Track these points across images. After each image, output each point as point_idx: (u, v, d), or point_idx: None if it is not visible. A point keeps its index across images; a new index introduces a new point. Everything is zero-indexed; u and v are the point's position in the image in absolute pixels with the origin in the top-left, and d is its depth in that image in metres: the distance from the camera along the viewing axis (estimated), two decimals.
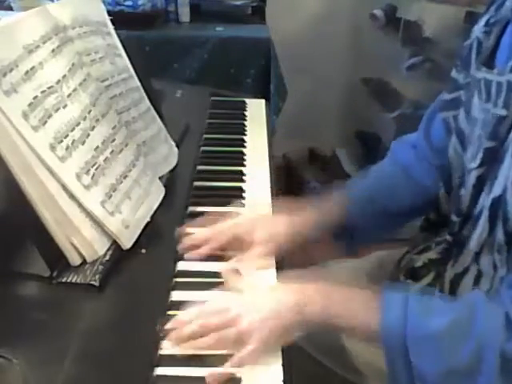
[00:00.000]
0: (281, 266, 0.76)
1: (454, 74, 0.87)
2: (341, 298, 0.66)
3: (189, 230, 0.78)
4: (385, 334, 0.62)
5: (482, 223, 0.72)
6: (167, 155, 0.89)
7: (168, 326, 0.61)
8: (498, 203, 0.69)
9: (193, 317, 0.62)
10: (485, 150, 0.73)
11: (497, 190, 0.69)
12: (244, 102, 1.28)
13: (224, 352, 0.60)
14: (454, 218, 0.80)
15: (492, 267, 0.72)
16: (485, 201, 0.72)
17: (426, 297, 0.68)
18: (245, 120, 1.19)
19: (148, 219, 0.75)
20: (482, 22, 0.81)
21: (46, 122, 0.61)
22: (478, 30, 0.82)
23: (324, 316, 0.64)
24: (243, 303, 0.65)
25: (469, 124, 0.79)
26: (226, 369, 0.58)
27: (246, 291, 0.67)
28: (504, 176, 0.68)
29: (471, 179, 0.76)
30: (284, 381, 0.57)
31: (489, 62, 0.77)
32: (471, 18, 2.08)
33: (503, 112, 0.70)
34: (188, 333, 0.60)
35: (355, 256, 0.94)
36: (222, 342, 0.60)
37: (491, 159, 0.72)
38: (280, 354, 0.61)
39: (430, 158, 0.93)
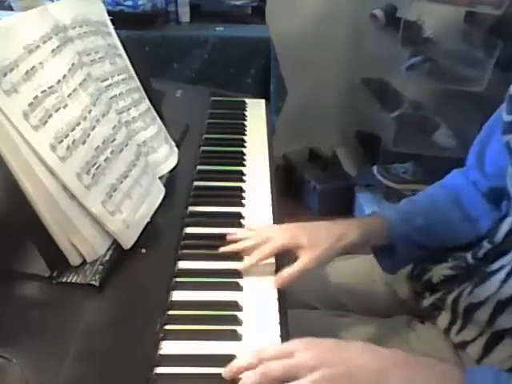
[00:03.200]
0: (281, 265, 0.76)
1: None
2: (422, 375, 0.57)
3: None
4: None
5: None
6: (167, 155, 0.89)
7: (225, 373, 0.56)
8: None
9: (252, 361, 0.56)
10: None
11: None
12: (244, 102, 1.28)
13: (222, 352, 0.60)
14: (486, 244, 0.75)
15: None
16: None
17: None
18: (245, 120, 1.19)
19: (148, 219, 0.75)
20: None
21: (46, 122, 0.61)
22: None
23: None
24: (318, 352, 0.57)
25: None
26: None
27: (323, 340, 0.59)
28: None
29: None
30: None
31: None
32: (471, 18, 2.08)
33: None
34: (244, 366, 0.56)
35: (391, 272, 0.91)
36: (286, 375, 0.54)
37: None
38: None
39: (484, 187, 0.85)
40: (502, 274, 0.72)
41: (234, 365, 0.57)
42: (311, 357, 0.55)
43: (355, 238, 0.79)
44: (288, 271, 0.73)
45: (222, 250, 0.76)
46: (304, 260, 0.74)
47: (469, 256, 0.79)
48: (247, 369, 0.56)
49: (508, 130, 0.76)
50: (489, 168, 0.84)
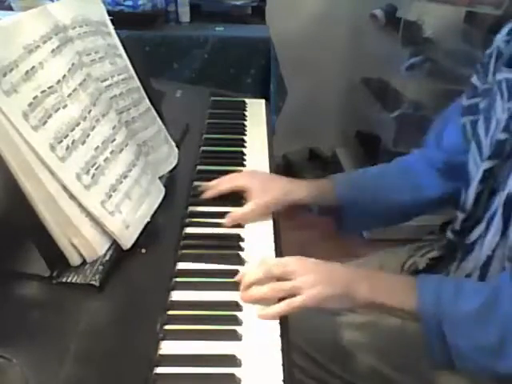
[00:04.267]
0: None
1: (474, 80, 0.89)
2: (383, 281, 0.73)
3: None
4: (422, 315, 0.68)
5: (496, 224, 0.73)
6: (167, 155, 0.89)
7: (236, 277, 0.70)
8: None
9: (257, 267, 0.70)
10: (497, 141, 0.74)
11: (511, 185, 0.70)
12: (244, 102, 1.28)
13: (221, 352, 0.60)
14: (459, 214, 0.81)
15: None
16: (500, 199, 0.72)
17: (457, 279, 0.75)
18: (245, 120, 1.19)
19: (148, 219, 0.75)
20: (505, 31, 0.83)
21: (46, 122, 0.61)
22: (500, 39, 0.83)
23: (369, 295, 0.70)
24: (301, 264, 0.72)
25: (489, 129, 0.79)
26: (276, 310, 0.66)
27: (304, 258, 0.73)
28: None
29: (479, 173, 0.77)
30: (284, 380, 0.57)
31: (510, 63, 0.78)
32: (471, 18, 2.08)
33: None
34: (252, 278, 0.68)
35: (344, 234, 1.02)
36: (277, 291, 0.68)
37: (502, 152, 0.73)
38: (280, 354, 0.61)
39: (439, 161, 0.95)
40: (479, 243, 0.77)
41: (245, 281, 0.68)
42: (312, 280, 0.69)
43: (303, 195, 0.91)
44: (238, 211, 0.83)
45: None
46: (253, 203, 0.84)
47: (449, 233, 0.84)
48: (255, 282, 0.68)
49: (465, 113, 0.89)
50: (446, 145, 0.94)
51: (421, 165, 0.98)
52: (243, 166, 1.00)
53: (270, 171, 1.00)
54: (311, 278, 0.69)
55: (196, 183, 0.93)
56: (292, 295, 0.68)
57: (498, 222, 0.73)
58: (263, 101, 1.31)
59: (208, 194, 0.88)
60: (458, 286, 0.70)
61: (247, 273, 0.70)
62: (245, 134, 1.13)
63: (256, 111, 1.25)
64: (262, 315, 0.65)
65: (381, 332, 0.88)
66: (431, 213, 1.00)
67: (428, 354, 0.70)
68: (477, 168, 0.80)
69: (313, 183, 0.95)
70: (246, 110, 1.24)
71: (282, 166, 2.45)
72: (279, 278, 0.70)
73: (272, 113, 1.70)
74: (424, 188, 0.96)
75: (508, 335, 0.64)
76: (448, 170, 0.94)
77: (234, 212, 0.83)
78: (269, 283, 0.68)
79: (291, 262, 0.72)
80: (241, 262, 0.75)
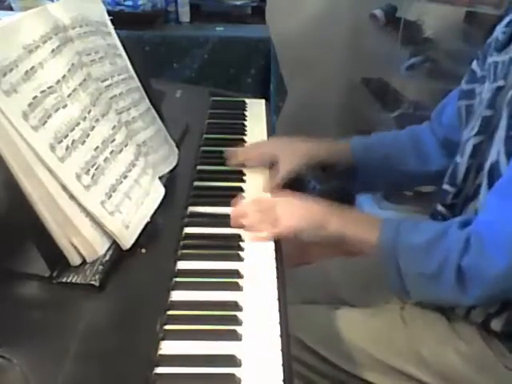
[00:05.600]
0: (281, 265, 0.76)
1: (474, 65, 0.94)
2: (354, 217, 0.85)
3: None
4: (381, 246, 0.77)
5: (482, 194, 0.77)
6: (167, 155, 0.89)
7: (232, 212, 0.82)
8: (494, 168, 0.74)
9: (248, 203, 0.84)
10: (482, 118, 0.79)
11: (493, 155, 0.75)
12: (244, 102, 1.28)
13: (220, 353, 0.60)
14: (448, 187, 0.86)
15: None
16: (485, 170, 0.77)
17: (417, 220, 0.85)
18: (245, 120, 1.19)
19: (148, 219, 0.75)
20: (504, 22, 0.87)
21: (45, 122, 0.61)
22: (499, 30, 0.87)
23: (340, 227, 0.80)
24: (285, 201, 0.84)
25: (476, 109, 0.85)
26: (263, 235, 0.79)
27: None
28: (499, 140, 0.74)
29: (468, 148, 0.82)
30: (284, 381, 0.57)
31: (501, 48, 0.83)
32: (471, 18, 2.08)
33: (501, 83, 0.77)
34: (243, 209, 0.82)
35: (355, 191, 1.11)
36: (262, 220, 0.80)
37: (488, 128, 0.78)
38: (280, 354, 0.61)
39: (440, 135, 1.03)
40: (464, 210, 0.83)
41: (238, 207, 0.83)
42: (290, 213, 0.82)
43: (324, 155, 1.04)
44: (277, 179, 0.96)
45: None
46: (284, 169, 0.97)
47: (439, 206, 0.88)
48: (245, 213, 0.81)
49: (462, 96, 0.95)
50: (444, 122, 1.02)
51: (429, 136, 1.05)
52: (243, 165, 1.00)
53: (270, 171, 1.00)
54: (289, 212, 0.81)
55: (196, 183, 0.93)
56: (273, 224, 0.79)
57: (483, 192, 0.77)
58: (263, 101, 1.31)
59: (234, 161, 0.97)
60: (415, 223, 0.79)
61: (241, 204, 0.84)
62: (245, 134, 1.13)
63: (256, 111, 1.25)
64: (253, 238, 0.78)
65: (380, 322, 0.89)
66: (431, 184, 1.15)
67: (387, 283, 0.79)
68: (465, 142, 0.85)
69: (332, 144, 1.06)
70: (246, 110, 1.24)
71: None
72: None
73: (272, 113, 1.70)
74: (429, 158, 1.04)
75: (445, 265, 0.72)
76: (446, 145, 1.01)
77: (274, 180, 0.95)
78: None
79: (276, 200, 0.86)
80: (241, 261, 0.75)
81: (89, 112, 0.69)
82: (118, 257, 0.69)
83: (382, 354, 0.85)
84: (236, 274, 0.72)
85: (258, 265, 0.75)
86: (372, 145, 1.07)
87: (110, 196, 0.69)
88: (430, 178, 1.08)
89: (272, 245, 0.79)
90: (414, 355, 0.84)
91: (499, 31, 0.87)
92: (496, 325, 0.80)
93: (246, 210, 0.82)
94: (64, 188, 0.63)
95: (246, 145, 1.03)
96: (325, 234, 0.80)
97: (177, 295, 0.68)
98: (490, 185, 0.76)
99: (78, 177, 0.64)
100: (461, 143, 0.89)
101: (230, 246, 0.78)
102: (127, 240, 0.70)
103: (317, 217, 0.81)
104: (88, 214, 0.65)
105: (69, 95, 0.66)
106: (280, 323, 0.65)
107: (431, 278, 0.74)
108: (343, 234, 0.80)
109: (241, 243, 0.78)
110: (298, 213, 0.82)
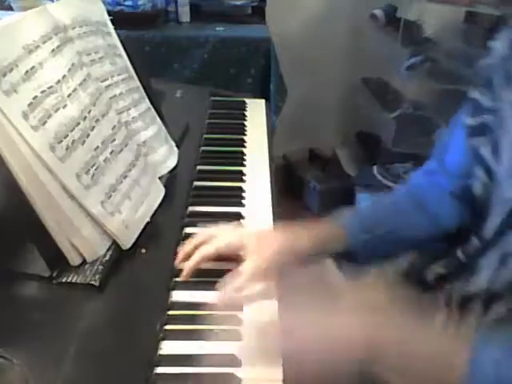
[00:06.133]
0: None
1: (475, 95, 0.77)
2: (422, 346, 0.58)
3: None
4: None
5: None
6: (167, 155, 0.89)
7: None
8: None
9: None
10: None
11: None
12: (244, 102, 1.28)
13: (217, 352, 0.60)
14: (476, 241, 0.75)
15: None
16: None
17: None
18: (245, 120, 1.19)
19: (148, 219, 0.75)
20: (505, 39, 0.74)
21: (45, 122, 0.61)
22: (500, 47, 0.74)
23: (402, 365, 0.58)
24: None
25: (497, 153, 0.72)
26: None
27: None
28: None
29: (505, 209, 0.70)
30: (284, 381, 0.57)
31: None
32: (471, 18, 2.08)
33: None
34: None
35: (352, 277, 0.87)
36: None
37: None
38: (280, 354, 0.61)
39: (452, 187, 0.84)
40: (490, 270, 0.72)
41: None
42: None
43: (307, 248, 0.76)
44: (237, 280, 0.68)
45: (177, 262, 0.73)
46: (251, 263, 0.70)
47: (459, 253, 0.79)
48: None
49: (473, 133, 0.76)
50: (454, 169, 0.83)
51: (434, 193, 0.86)
52: (243, 165, 1.00)
53: (270, 171, 1.00)
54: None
55: (196, 183, 0.93)
56: None
57: None
58: (263, 101, 1.31)
59: (187, 268, 0.72)
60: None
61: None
62: (245, 134, 1.13)
63: (256, 111, 1.25)
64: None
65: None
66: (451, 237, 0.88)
67: None
68: (486, 193, 0.74)
69: (315, 232, 0.79)
70: (246, 110, 1.24)
71: (282, 166, 2.45)
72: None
73: (272, 113, 1.70)
74: (442, 220, 0.85)
75: None
76: (461, 195, 0.83)
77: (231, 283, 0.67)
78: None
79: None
80: (241, 261, 0.75)
81: (89, 112, 0.69)
82: (118, 257, 0.69)
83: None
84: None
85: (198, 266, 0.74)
86: (370, 222, 0.85)
87: (110, 196, 0.69)
88: (449, 234, 0.85)
89: None
90: None
91: (500, 49, 0.74)
92: None
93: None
94: (64, 188, 0.63)
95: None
96: (377, 370, 0.58)
97: (177, 295, 0.68)
98: None
99: (78, 177, 0.64)
100: (473, 189, 0.77)
101: None
102: (127, 240, 0.70)
103: (349, 347, 0.57)
104: (88, 214, 0.65)
105: (69, 95, 0.66)
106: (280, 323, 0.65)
107: None
108: (407, 371, 0.58)
109: None
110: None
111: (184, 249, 0.74)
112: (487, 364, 0.55)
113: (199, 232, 0.77)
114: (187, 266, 0.71)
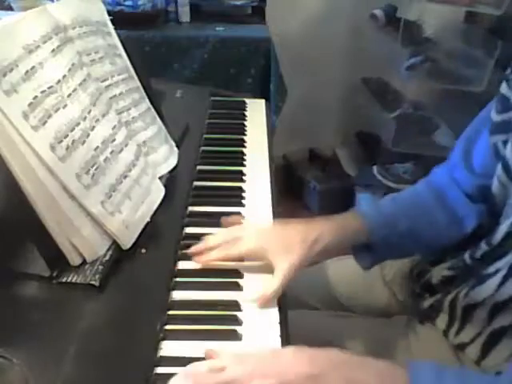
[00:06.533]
0: None
1: (504, 89, 0.75)
2: (361, 376, 0.56)
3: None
4: None
5: None
6: (167, 155, 0.89)
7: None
8: None
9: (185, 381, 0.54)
10: None
11: None
12: (244, 102, 1.28)
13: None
14: (483, 245, 0.74)
15: None
16: None
17: (461, 373, 0.61)
18: (245, 120, 1.19)
19: (148, 219, 0.75)
20: None
21: (45, 122, 0.61)
22: None
23: None
24: (250, 365, 0.56)
25: None
26: None
27: (246, 350, 0.61)
28: None
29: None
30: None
31: None
32: (471, 18, 2.08)
33: None
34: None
35: (366, 268, 0.87)
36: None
37: None
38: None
39: (468, 185, 0.83)
40: (498, 277, 0.71)
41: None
42: (243, 371, 0.54)
43: (330, 241, 0.76)
44: (270, 289, 0.69)
45: (192, 249, 0.74)
46: (279, 275, 0.70)
47: (467, 256, 0.78)
48: None
49: (496, 131, 0.75)
50: (476, 166, 0.81)
51: (455, 191, 0.84)
52: (243, 165, 1.00)
53: (270, 171, 1.00)
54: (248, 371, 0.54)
55: (196, 183, 0.93)
56: None
57: None
58: (263, 101, 1.31)
59: (207, 259, 0.73)
60: (459, 374, 0.58)
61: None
62: (245, 134, 1.13)
63: (256, 111, 1.25)
64: None
65: (382, 332, 0.88)
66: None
67: None
68: (505, 194, 0.73)
69: (335, 224, 0.79)
70: (246, 110, 1.24)
71: (282, 166, 2.45)
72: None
73: (272, 113, 1.70)
74: (461, 220, 0.83)
75: None
76: (481, 196, 0.81)
77: (265, 292, 0.68)
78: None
79: (225, 363, 0.56)
80: (241, 261, 0.75)
81: (89, 112, 0.69)
82: (118, 257, 0.69)
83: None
84: (236, 273, 0.72)
85: (257, 264, 0.75)
86: (391, 216, 0.83)
87: (110, 196, 0.69)
88: (465, 236, 0.83)
89: None
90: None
91: None
92: None
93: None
94: (64, 188, 0.63)
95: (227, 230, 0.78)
96: None
97: (177, 295, 0.68)
98: None
99: (78, 177, 0.64)
100: (492, 188, 0.76)
101: None
102: (127, 240, 0.70)
103: (307, 376, 0.54)
104: (88, 214, 0.65)
105: (69, 95, 0.66)
106: (280, 323, 0.65)
107: None
108: None
109: None
110: (258, 371, 0.54)
111: (208, 243, 0.74)
112: None
113: (224, 231, 0.77)
114: (206, 259, 0.72)
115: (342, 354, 0.58)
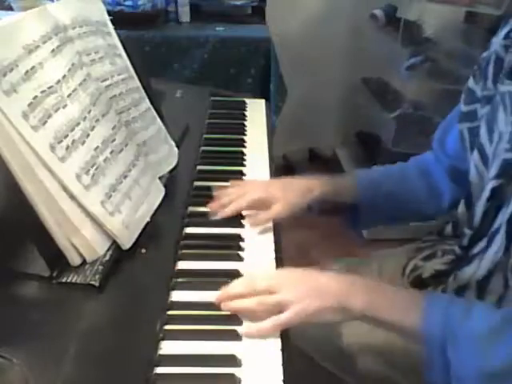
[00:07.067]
0: (281, 265, 0.76)
1: (471, 84, 0.86)
2: (384, 294, 0.67)
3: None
4: (426, 335, 0.62)
5: (499, 240, 0.71)
6: (167, 155, 0.89)
7: (218, 299, 0.66)
8: None
9: (244, 291, 0.66)
10: (503, 161, 0.72)
11: None
12: (244, 102, 1.28)
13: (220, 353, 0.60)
14: (467, 231, 0.79)
15: (503, 286, 0.72)
16: (503, 217, 0.71)
17: (467, 301, 0.70)
18: (245, 120, 1.19)
19: (148, 219, 0.75)
20: (502, 34, 0.80)
21: (45, 122, 0.61)
22: (496, 42, 0.80)
23: (367, 308, 0.65)
24: (288, 276, 0.69)
25: (492, 139, 0.77)
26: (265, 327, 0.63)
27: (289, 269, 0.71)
28: None
29: (486, 191, 0.75)
30: (284, 381, 0.57)
31: None
32: (471, 18, 2.08)
33: None
34: (235, 292, 0.66)
35: (353, 230, 0.98)
36: (261, 305, 0.64)
37: (508, 171, 0.71)
38: (280, 354, 0.61)
39: (446, 165, 0.93)
40: (480, 254, 0.76)
41: (227, 291, 0.66)
42: (295, 294, 0.65)
43: (323, 191, 0.89)
44: (264, 216, 0.82)
45: (210, 206, 0.84)
46: (278, 208, 0.83)
47: (456, 248, 0.82)
48: (238, 297, 0.65)
49: (463, 119, 0.86)
50: (449, 150, 0.93)
51: (437, 168, 0.96)
52: (243, 165, 1.00)
53: (270, 171, 1.00)
54: (298, 292, 0.65)
55: (196, 183, 0.93)
56: (278, 311, 0.64)
57: (501, 238, 0.71)
58: (263, 101, 1.31)
59: (224, 214, 0.83)
60: (467, 309, 0.64)
61: (231, 285, 0.67)
62: (245, 134, 1.13)
63: (256, 111, 1.25)
64: (249, 333, 0.63)
65: (380, 332, 0.88)
66: (442, 215, 0.99)
67: (428, 373, 0.65)
68: (481, 181, 0.78)
69: (331, 180, 0.93)
70: (246, 110, 1.24)
71: (282, 166, 2.45)
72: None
73: (272, 113, 1.70)
74: (440, 192, 0.95)
75: None
76: (453, 175, 0.93)
77: (260, 216, 0.82)
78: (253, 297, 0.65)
79: (277, 275, 0.70)
80: (241, 261, 0.75)
81: (89, 112, 0.69)
82: (118, 257, 0.69)
83: (381, 365, 0.83)
84: (236, 274, 0.72)
85: (257, 265, 0.75)
86: (378, 181, 0.96)
87: (110, 196, 0.69)
88: (442, 212, 0.96)
89: (272, 245, 0.79)
90: (415, 368, 0.81)
91: (498, 44, 0.80)
92: None
93: (236, 290, 0.67)
94: (64, 188, 0.63)
95: (236, 186, 0.89)
96: (348, 317, 0.65)
97: (177, 295, 0.68)
98: (510, 232, 0.70)
99: (78, 177, 0.64)
100: (469, 174, 0.82)
101: (230, 246, 0.78)
102: (127, 240, 0.70)
103: (334, 295, 0.65)
104: (88, 214, 0.65)
105: (69, 95, 0.66)
106: None
107: (494, 377, 0.61)
108: (372, 315, 0.65)
109: (241, 243, 0.78)
110: (307, 292, 0.65)
111: (221, 201, 0.85)
112: (438, 313, 0.63)
113: (232, 189, 0.88)
114: (224, 213, 0.83)
115: (370, 282, 0.69)
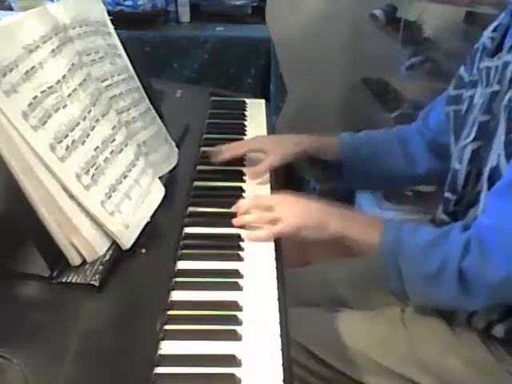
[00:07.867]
0: (281, 265, 0.76)
1: (461, 71, 0.95)
2: (353, 218, 0.85)
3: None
4: (383, 248, 0.78)
5: (483, 198, 0.76)
6: (167, 155, 0.89)
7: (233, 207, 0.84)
8: (495, 173, 0.74)
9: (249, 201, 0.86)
10: (479, 123, 0.79)
11: (493, 160, 0.75)
12: (244, 102, 1.28)
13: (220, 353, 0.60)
14: (449, 195, 0.86)
15: None
16: (484, 176, 0.76)
17: (420, 224, 0.85)
18: (245, 120, 1.19)
19: (148, 219, 0.75)
20: (491, 27, 0.89)
21: (45, 122, 0.61)
22: (486, 35, 0.89)
23: (340, 227, 0.81)
24: (284, 199, 0.85)
25: (468, 114, 0.86)
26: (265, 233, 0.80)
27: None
28: (498, 144, 0.74)
29: (466, 155, 0.82)
30: (284, 381, 0.57)
31: (492, 54, 0.84)
32: (471, 18, 2.08)
33: (497, 87, 0.78)
34: (244, 207, 0.83)
35: (352, 255, 1.00)
36: (261, 219, 0.81)
37: (485, 133, 0.78)
38: (280, 354, 0.61)
39: (428, 138, 1.04)
40: (466, 218, 0.82)
41: (238, 207, 0.84)
42: (288, 213, 0.82)
43: (311, 145, 1.04)
44: (259, 167, 0.97)
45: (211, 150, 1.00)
46: (271, 158, 0.98)
47: (441, 214, 0.88)
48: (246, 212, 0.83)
49: (450, 102, 0.96)
50: (431, 125, 1.04)
51: (416, 137, 1.06)
52: (243, 165, 1.00)
53: (270, 171, 1.00)
54: (290, 211, 0.82)
55: (196, 183, 0.93)
56: (274, 224, 0.80)
57: (484, 195, 0.76)
58: (263, 101, 1.32)
59: (220, 158, 0.97)
60: (417, 225, 0.80)
61: (239, 203, 0.85)
62: (245, 134, 1.13)
63: (256, 111, 1.25)
64: (249, 237, 0.79)
65: (380, 326, 0.88)
66: (417, 184, 1.21)
67: (387, 284, 0.81)
68: (462, 149, 0.84)
69: (319, 138, 1.07)
70: (246, 110, 1.24)
71: (282, 166, 2.45)
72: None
73: (272, 113, 1.70)
74: (416, 160, 1.05)
75: (445, 267, 0.73)
76: (433, 148, 1.03)
77: (257, 167, 0.96)
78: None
79: (276, 198, 0.87)
80: (241, 261, 0.75)
81: (89, 112, 0.69)
82: (118, 257, 0.69)
83: (382, 358, 0.85)
84: (236, 274, 0.72)
85: (257, 265, 0.75)
86: (359, 142, 1.08)
87: (110, 196, 0.69)
88: (416, 180, 1.11)
89: (272, 245, 0.79)
90: (415, 359, 0.83)
91: (486, 36, 0.89)
92: (498, 331, 0.80)
93: (245, 207, 0.83)
94: (64, 188, 0.63)
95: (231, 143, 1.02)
96: (325, 233, 0.81)
97: (177, 295, 0.68)
98: (491, 189, 0.75)
99: (78, 177, 0.64)
100: (452, 148, 0.89)
101: (230, 246, 0.78)
102: (127, 240, 0.70)
103: (317, 216, 0.82)
104: (88, 213, 0.65)
105: (69, 95, 0.66)
106: (280, 323, 0.65)
107: (430, 280, 0.75)
108: (344, 234, 0.81)
109: (241, 243, 0.78)
110: (297, 211, 0.82)
111: (221, 148, 1.00)
112: (393, 230, 0.79)
113: (234, 144, 1.01)
114: (223, 156, 0.98)
115: (344, 210, 0.85)
